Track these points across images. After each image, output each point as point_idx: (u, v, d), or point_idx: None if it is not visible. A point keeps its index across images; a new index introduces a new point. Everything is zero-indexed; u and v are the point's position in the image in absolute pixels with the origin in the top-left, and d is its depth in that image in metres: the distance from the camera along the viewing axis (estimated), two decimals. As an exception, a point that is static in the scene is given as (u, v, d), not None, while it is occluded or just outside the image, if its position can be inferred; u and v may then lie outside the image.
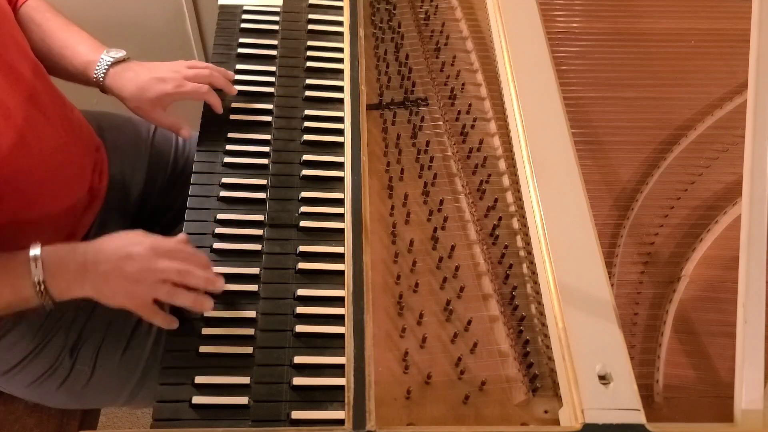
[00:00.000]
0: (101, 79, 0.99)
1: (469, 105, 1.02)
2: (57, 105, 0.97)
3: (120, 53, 1.00)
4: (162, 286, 0.79)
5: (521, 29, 1.01)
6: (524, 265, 0.88)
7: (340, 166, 0.94)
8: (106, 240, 0.83)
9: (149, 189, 1.17)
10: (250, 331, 0.80)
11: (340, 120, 0.99)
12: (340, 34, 1.09)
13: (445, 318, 0.83)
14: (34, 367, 0.96)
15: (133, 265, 0.79)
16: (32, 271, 0.79)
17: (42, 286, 0.79)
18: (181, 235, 0.86)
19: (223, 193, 0.92)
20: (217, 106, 0.99)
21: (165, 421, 0.74)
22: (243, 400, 0.75)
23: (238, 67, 1.06)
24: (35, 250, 0.79)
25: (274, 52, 1.09)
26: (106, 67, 0.98)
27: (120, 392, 1.01)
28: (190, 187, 0.92)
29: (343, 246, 0.86)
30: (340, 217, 0.90)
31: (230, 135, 0.98)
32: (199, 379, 0.76)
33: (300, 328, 0.81)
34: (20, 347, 0.95)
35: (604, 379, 0.72)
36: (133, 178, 1.15)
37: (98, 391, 1.00)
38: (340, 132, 0.98)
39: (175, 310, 0.82)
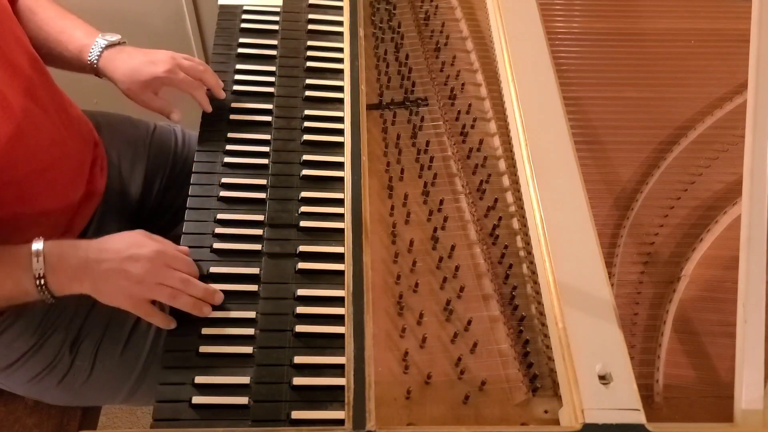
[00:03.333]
0: (95, 62, 0.99)
1: (469, 105, 1.02)
2: (55, 100, 0.97)
3: (115, 37, 1.00)
4: (164, 288, 0.80)
5: (521, 29, 1.01)
6: (524, 265, 0.88)
7: (340, 166, 0.94)
8: (110, 239, 0.84)
9: (148, 188, 1.17)
10: (250, 331, 0.81)
11: (340, 120, 0.99)
12: (340, 34, 1.09)
13: (445, 318, 0.83)
14: (33, 363, 0.97)
15: (137, 267, 0.80)
16: (33, 264, 0.79)
17: (42, 281, 0.79)
18: (183, 248, 0.86)
19: (223, 193, 0.92)
20: (205, 104, 0.99)
21: (165, 421, 0.74)
22: (243, 400, 0.75)
23: (238, 67, 1.06)
24: (38, 245, 0.80)
25: (274, 52, 1.09)
26: (101, 49, 0.99)
27: (119, 389, 1.01)
28: (190, 187, 0.92)
29: (343, 246, 0.86)
30: (340, 217, 0.90)
31: (230, 135, 0.98)
32: (199, 379, 0.76)
33: (300, 328, 0.81)
34: (20, 343, 0.95)
35: (604, 379, 0.72)
36: (131, 177, 1.15)
37: (97, 387, 1.00)
38: (340, 132, 0.98)
39: (174, 311, 0.82)
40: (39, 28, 1.01)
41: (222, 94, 1.01)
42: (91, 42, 0.99)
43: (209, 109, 0.99)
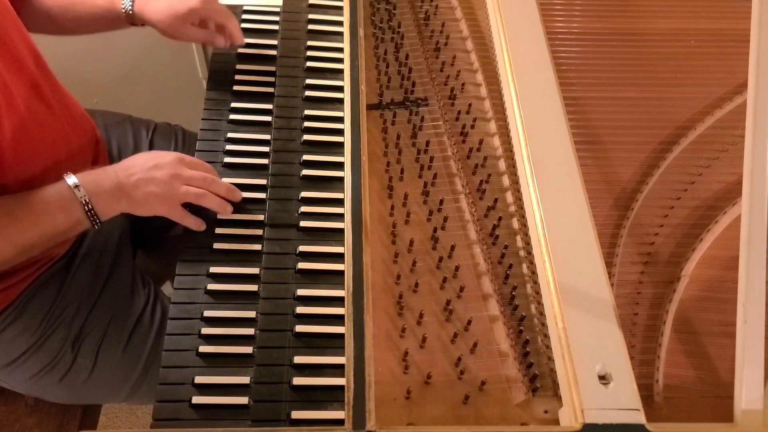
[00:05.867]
0: (130, 9, 1.01)
1: (469, 105, 1.02)
2: (58, 97, 0.98)
3: None
4: (190, 189, 0.87)
5: (521, 29, 1.01)
6: (524, 265, 0.88)
7: (340, 166, 0.94)
8: (131, 158, 0.90)
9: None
10: (250, 331, 0.81)
11: (340, 120, 0.99)
12: (340, 34, 1.09)
13: (445, 318, 0.83)
14: (35, 360, 0.97)
15: (162, 173, 0.87)
16: (77, 194, 0.85)
17: (89, 206, 0.85)
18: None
19: (223, 193, 0.92)
20: (237, 33, 1.03)
21: (165, 421, 0.74)
22: (243, 400, 0.75)
23: (238, 67, 1.06)
24: (71, 178, 0.85)
25: (274, 52, 1.09)
26: None
27: (121, 387, 1.01)
28: (191, 186, 0.93)
29: (343, 246, 0.86)
30: (340, 217, 0.90)
31: (230, 135, 0.98)
32: (199, 379, 0.76)
33: (300, 328, 0.81)
34: (22, 340, 0.96)
35: (604, 379, 0.72)
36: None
37: (99, 385, 1.01)
38: (340, 132, 0.98)
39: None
40: None
41: (241, 40, 1.05)
42: None
43: (242, 40, 1.04)
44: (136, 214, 0.89)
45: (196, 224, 0.88)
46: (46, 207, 0.84)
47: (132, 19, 1.03)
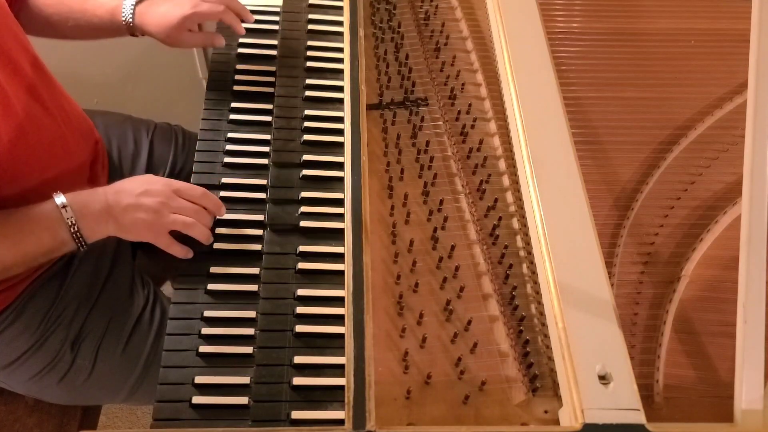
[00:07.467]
0: (130, 20, 1.02)
1: (469, 105, 1.02)
2: (55, 98, 0.97)
3: None
4: (179, 218, 0.86)
5: (521, 29, 1.01)
6: (524, 265, 0.88)
7: (340, 166, 0.94)
8: (123, 182, 0.90)
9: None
10: (250, 331, 0.81)
11: (340, 120, 0.99)
12: (340, 34, 1.09)
13: (445, 318, 0.83)
14: (34, 361, 0.97)
15: (151, 200, 0.86)
16: (64, 215, 0.84)
17: (75, 228, 0.84)
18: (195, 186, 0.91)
19: (223, 193, 0.92)
20: (237, 26, 1.03)
21: (165, 421, 0.74)
22: (243, 400, 0.75)
23: (238, 67, 1.06)
24: (60, 198, 0.84)
25: (274, 52, 1.09)
26: (132, 7, 1.01)
27: (120, 388, 1.01)
28: (190, 187, 0.93)
29: (343, 246, 0.86)
30: (340, 217, 0.90)
31: (230, 135, 0.98)
32: (199, 379, 0.76)
33: (300, 328, 0.81)
34: (21, 341, 0.96)
35: (604, 379, 0.72)
36: (132, 176, 1.15)
37: (99, 386, 1.01)
38: (340, 132, 0.98)
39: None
40: (60, 3, 1.03)
41: (242, 30, 1.04)
42: (119, 2, 1.02)
43: (242, 31, 1.04)
44: (123, 238, 0.89)
45: (182, 252, 0.87)
46: (32, 227, 0.84)
47: (132, 30, 1.04)
